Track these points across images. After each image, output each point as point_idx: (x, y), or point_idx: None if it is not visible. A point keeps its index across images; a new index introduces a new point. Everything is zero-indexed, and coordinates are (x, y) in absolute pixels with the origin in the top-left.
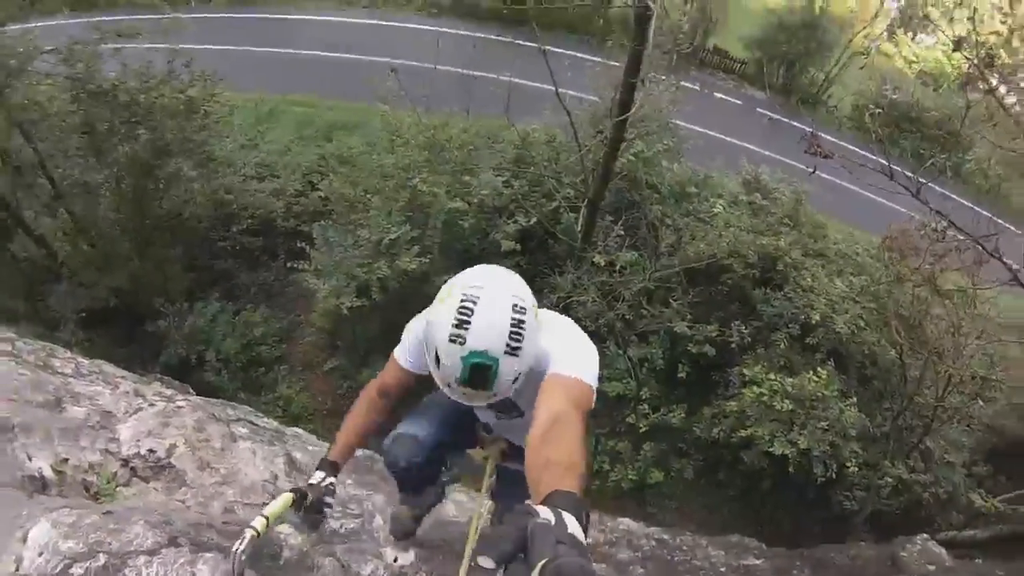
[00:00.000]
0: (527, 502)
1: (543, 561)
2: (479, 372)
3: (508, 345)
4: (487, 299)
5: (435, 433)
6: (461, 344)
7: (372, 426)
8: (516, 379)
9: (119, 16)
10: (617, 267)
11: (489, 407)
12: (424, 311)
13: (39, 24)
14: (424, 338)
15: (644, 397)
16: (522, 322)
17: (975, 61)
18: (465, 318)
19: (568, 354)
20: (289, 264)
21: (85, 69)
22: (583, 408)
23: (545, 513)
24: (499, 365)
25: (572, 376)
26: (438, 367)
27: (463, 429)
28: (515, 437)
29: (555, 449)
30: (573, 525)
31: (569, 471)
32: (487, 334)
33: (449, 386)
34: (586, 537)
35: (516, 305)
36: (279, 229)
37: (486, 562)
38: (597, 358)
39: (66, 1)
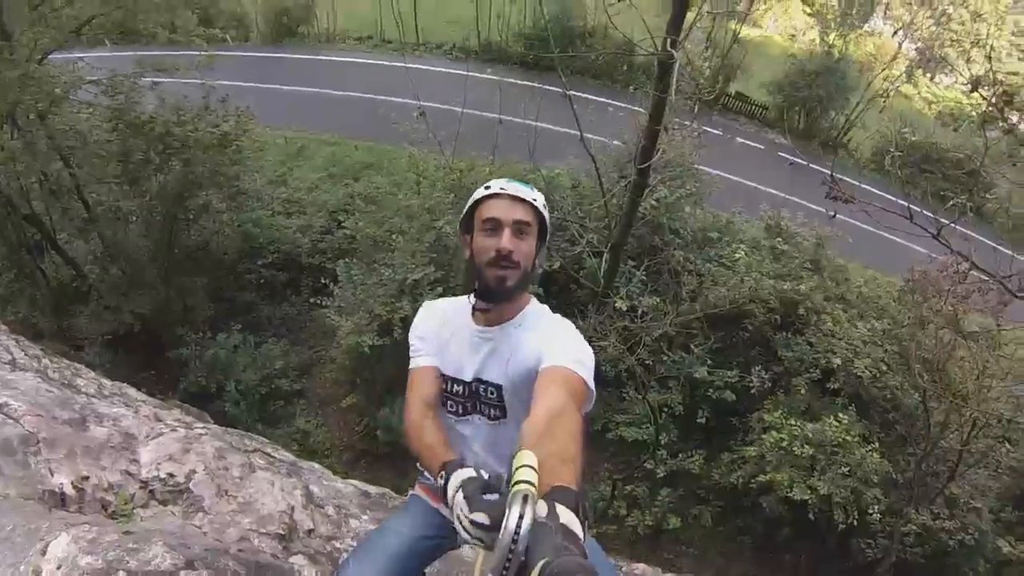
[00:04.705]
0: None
1: (543, 561)
2: (514, 181)
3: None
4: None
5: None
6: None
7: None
8: (542, 213)
9: (159, 51)
10: (639, 312)
11: (479, 410)
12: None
13: (83, 55)
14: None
15: (663, 442)
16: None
17: (993, 100)
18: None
19: (564, 348)
20: (312, 300)
21: (125, 100)
22: (580, 401)
23: (542, 509)
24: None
25: (568, 369)
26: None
27: (418, 555)
28: (504, 447)
29: (552, 443)
30: (571, 522)
31: (566, 465)
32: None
33: (488, 188)
34: (585, 532)
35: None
36: (303, 265)
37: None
38: (593, 356)
39: (109, 34)
